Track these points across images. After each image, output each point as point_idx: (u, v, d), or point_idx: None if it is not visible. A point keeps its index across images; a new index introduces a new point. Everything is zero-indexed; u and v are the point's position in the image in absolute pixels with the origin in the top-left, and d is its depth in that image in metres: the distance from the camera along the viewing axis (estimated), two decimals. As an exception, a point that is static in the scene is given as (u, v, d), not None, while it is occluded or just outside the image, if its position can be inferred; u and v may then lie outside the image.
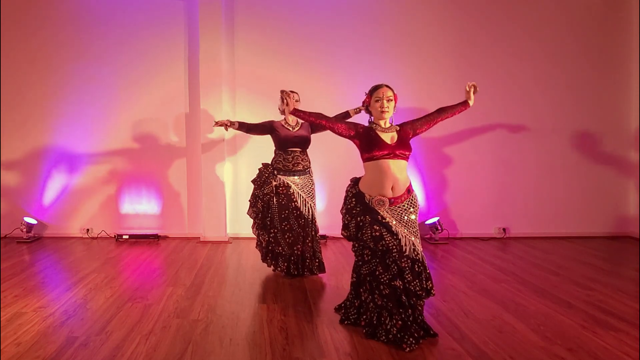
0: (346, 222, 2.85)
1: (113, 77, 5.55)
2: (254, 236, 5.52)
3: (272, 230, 3.95)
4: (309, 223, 3.95)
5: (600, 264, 4.37)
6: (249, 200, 4.13)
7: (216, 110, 5.32)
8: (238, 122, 4.25)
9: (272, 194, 3.92)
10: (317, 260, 4.00)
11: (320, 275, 4.02)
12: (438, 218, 5.37)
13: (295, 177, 3.93)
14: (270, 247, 3.98)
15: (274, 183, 3.91)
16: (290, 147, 3.94)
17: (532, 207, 5.57)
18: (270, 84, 5.48)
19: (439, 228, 5.30)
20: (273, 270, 4.07)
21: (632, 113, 5.54)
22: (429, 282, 2.82)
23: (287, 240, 3.90)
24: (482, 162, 5.56)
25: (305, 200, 3.94)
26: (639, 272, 4.06)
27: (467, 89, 3.04)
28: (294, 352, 2.55)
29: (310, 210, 3.95)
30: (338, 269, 4.20)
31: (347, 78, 5.48)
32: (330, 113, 5.50)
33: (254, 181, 4.08)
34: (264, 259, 4.09)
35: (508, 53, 5.52)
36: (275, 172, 3.94)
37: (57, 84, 5.54)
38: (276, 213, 3.92)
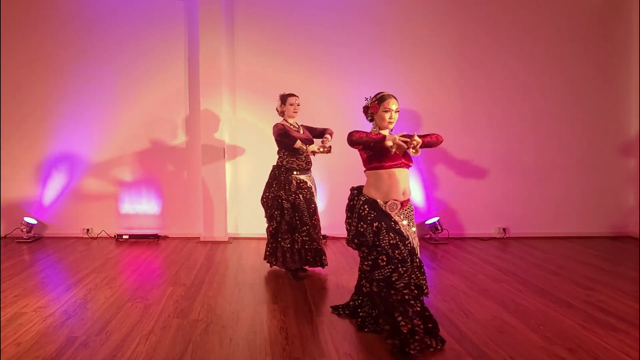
0: (360, 229, 2.83)
1: (113, 77, 5.55)
2: (255, 236, 5.55)
3: (304, 228, 3.90)
4: (318, 216, 4.08)
5: (600, 264, 4.37)
6: (267, 204, 4.04)
7: (216, 110, 5.33)
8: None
9: (298, 192, 3.90)
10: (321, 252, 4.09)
11: (320, 275, 4.03)
12: (438, 218, 5.37)
13: (307, 175, 4.02)
14: (306, 246, 3.91)
15: (294, 182, 3.90)
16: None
17: (532, 207, 5.58)
18: (270, 84, 5.49)
19: (439, 228, 5.29)
20: (313, 268, 4.07)
21: (632, 113, 5.54)
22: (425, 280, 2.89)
23: (318, 234, 3.99)
24: (482, 162, 5.56)
25: (315, 202, 4.04)
26: (639, 272, 4.07)
27: (410, 145, 2.62)
28: (294, 352, 2.55)
29: (313, 205, 4.03)
30: (338, 268, 4.20)
31: (347, 78, 5.49)
32: (329, 112, 5.51)
33: (269, 184, 4.03)
34: (272, 262, 4.07)
35: (508, 54, 5.52)
36: (288, 172, 3.93)
37: (57, 84, 5.54)
38: (305, 209, 3.89)
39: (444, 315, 3.05)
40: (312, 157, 4.05)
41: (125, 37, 5.53)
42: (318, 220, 4.04)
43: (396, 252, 2.72)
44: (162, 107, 5.58)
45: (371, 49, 5.52)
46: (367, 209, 2.81)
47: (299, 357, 2.51)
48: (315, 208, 4.01)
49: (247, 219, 5.58)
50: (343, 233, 5.66)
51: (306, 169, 4.00)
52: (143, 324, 2.93)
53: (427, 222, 5.36)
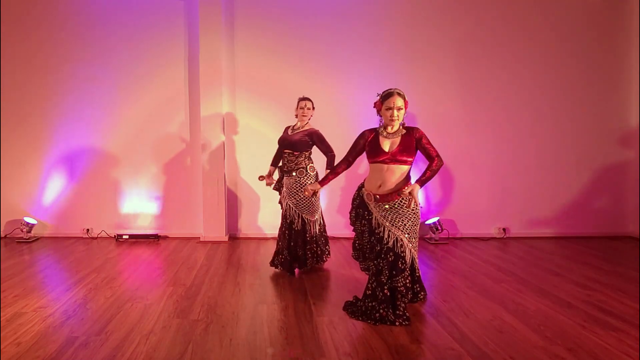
0: (351, 209, 3.28)
1: (113, 77, 5.55)
2: (254, 236, 5.57)
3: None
4: (287, 223, 4.04)
5: (600, 264, 4.37)
6: None
7: (216, 110, 5.33)
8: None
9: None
10: (300, 260, 4.02)
11: (320, 274, 4.02)
12: (438, 218, 5.37)
13: (286, 178, 4.06)
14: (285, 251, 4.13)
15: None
16: (283, 148, 4.07)
17: (532, 207, 5.57)
18: (270, 84, 5.49)
19: (439, 228, 5.29)
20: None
21: (632, 113, 5.54)
22: (417, 284, 2.92)
23: (292, 238, 4.04)
24: (483, 162, 5.56)
25: (287, 202, 4.03)
26: (639, 272, 4.07)
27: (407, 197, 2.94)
28: (294, 352, 2.55)
29: (290, 209, 4.00)
30: (338, 268, 4.20)
31: (347, 79, 5.49)
32: (329, 113, 5.50)
33: None
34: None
35: (509, 53, 5.51)
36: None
37: (57, 84, 5.54)
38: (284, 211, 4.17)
39: (444, 315, 3.05)
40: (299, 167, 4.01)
41: (125, 37, 5.53)
42: (293, 223, 3.98)
43: (358, 242, 3.24)
44: (162, 107, 5.58)
45: (371, 49, 5.52)
46: (356, 194, 3.24)
47: (299, 357, 2.51)
48: (285, 209, 4.05)
49: (247, 219, 5.58)
50: (343, 233, 5.66)
51: (285, 171, 4.06)
52: (143, 324, 2.93)
53: (427, 222, 5.36)
